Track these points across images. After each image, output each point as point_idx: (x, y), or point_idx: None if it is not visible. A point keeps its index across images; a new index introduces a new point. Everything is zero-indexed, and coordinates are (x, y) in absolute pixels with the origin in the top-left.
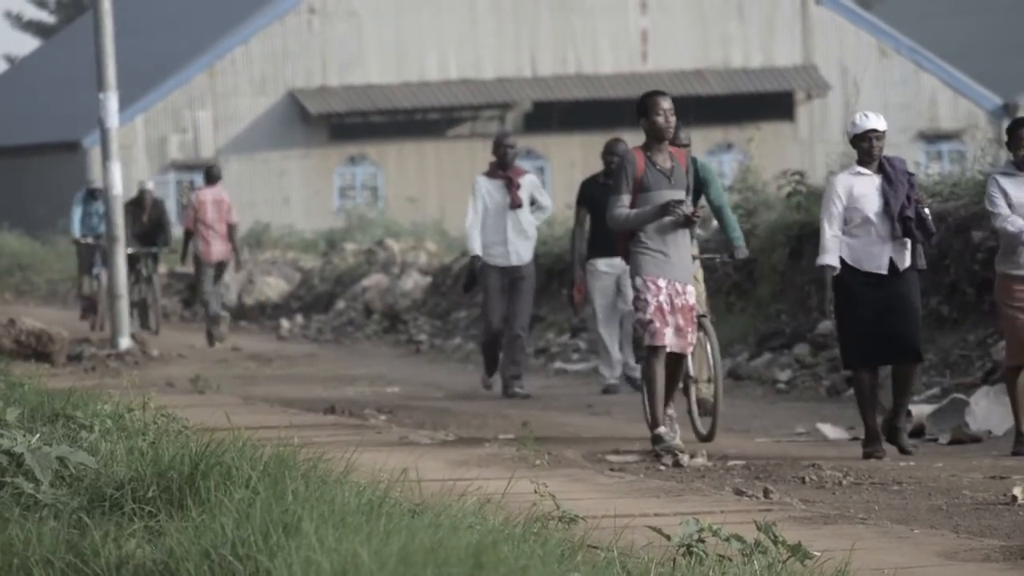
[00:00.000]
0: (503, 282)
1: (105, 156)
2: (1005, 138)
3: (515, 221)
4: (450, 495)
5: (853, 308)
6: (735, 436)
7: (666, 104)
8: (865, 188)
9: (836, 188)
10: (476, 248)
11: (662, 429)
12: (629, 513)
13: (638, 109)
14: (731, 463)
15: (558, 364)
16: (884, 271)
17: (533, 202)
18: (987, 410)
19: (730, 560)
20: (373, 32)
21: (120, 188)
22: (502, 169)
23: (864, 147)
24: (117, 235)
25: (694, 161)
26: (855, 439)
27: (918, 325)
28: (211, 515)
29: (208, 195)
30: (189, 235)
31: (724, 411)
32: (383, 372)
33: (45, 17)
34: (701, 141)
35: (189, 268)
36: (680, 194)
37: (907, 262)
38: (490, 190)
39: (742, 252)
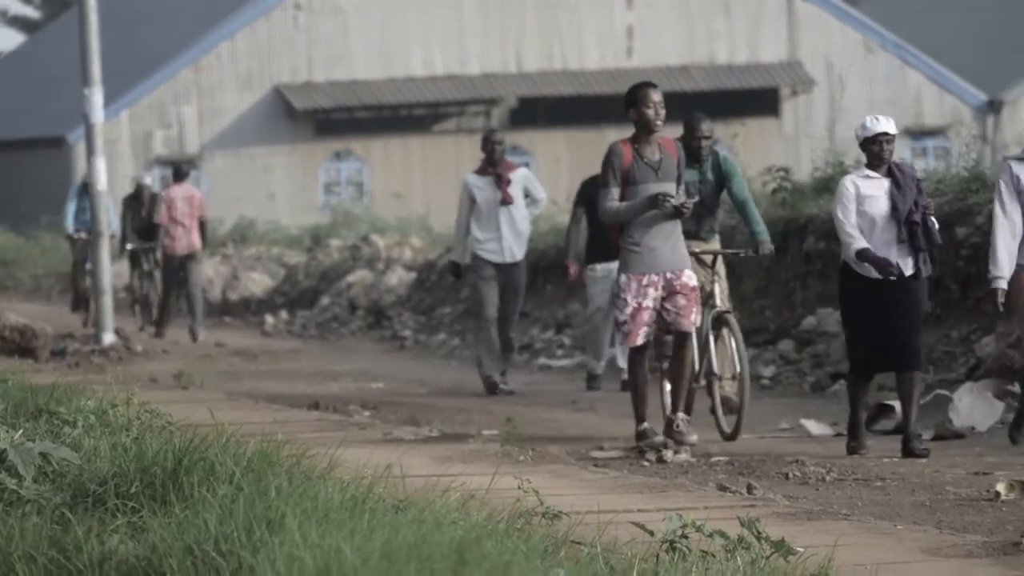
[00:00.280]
0: (496, 277)
1: (90, 152)
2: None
3: (508, 217)
4: (434, 491)
5: (858, 314)
6: (718, 432)
7: (656, 96)
8: (873, 190)
9: (847, 188)
10: (456, 255)
11: (646, 425)
12: (612, 509)
13: (627, 100)
14: (715, 459)
15: (543, 360)
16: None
17: (527, 195)
18: (970, 406)
19: (713, 556)
20: (359, 27)
21: (105, 184)
22: (491, 166)
23: (874, 150)
24: (102, 230)
25: (716, 155)
26: (839, 435)
27: (918, 333)
28: (194, 511)
29: (178, 192)
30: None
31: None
32: (367, 368)
33: (30, 12)
34: None
35: None
36: (669, 187)
37: (911, 268)
38: (481, 187)
39: (767, 247)
